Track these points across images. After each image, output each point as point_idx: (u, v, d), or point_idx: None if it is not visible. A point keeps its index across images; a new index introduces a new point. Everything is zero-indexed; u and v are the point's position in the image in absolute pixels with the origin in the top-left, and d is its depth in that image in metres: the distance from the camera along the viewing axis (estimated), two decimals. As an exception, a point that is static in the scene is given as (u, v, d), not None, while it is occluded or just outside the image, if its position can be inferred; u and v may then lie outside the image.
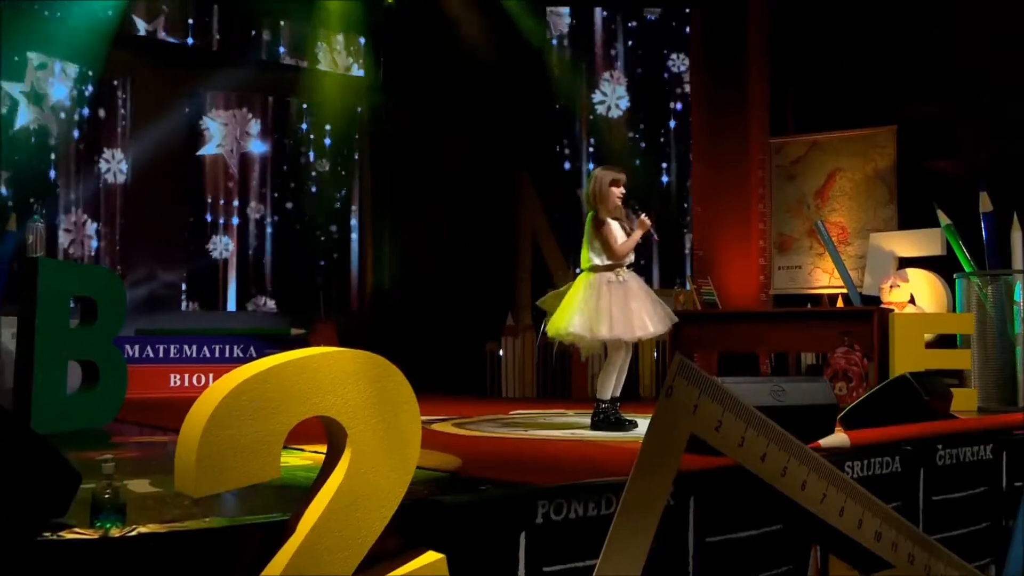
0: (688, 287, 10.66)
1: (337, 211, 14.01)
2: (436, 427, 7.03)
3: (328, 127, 13.89)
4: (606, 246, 7.04)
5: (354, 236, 14.04)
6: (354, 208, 14.07)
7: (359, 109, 13.93)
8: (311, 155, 13.83)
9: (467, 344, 12.13)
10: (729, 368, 10.44)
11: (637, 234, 7.05)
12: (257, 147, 13.53)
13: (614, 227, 7.11)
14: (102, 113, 12.39)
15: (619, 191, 7.14)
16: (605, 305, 6.94)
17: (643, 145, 13.00)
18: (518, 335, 11.52)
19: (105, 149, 12.40)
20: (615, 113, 13.17)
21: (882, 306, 9.30)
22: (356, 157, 14.09)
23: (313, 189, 13.82)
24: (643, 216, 7.06)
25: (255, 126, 13.55)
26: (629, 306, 6.97)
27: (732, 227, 11.37)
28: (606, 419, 6.99)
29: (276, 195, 13.69)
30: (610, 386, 7.05)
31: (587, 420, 7.22)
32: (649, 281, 12.20)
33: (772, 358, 10.76)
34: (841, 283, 10.47)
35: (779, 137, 11.55)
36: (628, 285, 7.05)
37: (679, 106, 12.92)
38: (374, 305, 13.70)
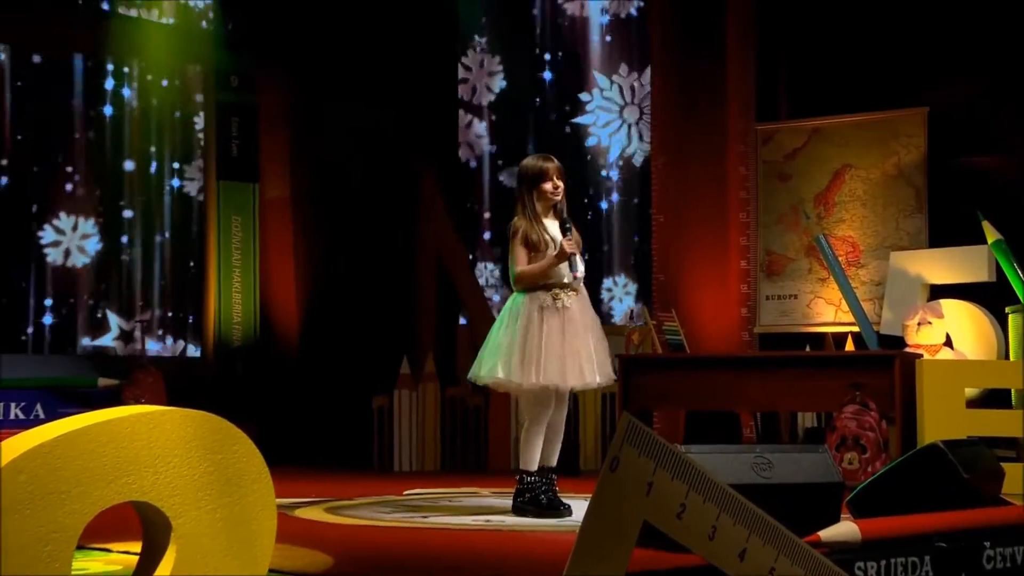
0: (645, 323, 10.64)
1: (168, 217, 13.94)
2: (301, 513, 7.04)
3: (154, 100, 13.86)
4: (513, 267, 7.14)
5: (191, 249, 13.98)
6: (192, 213, 13.98)
7: (200, 70, 13.92)
8: (128, 137, 13.73)
9: (347, 399, 12.18)
10: (699, 433, 10.46)
11: (547, 262, 7.07)
12: (58, 125, 13.41)
13: (549, 236, 7.13)
14: None
15: (550, 186, 7.16)
16: (535, 341, 6.96)
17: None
18: (416, 387, 11.54)
19: None
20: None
21: (907, 350, 9.40)
22: (199, 141, 14.09)
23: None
24: (566, 238, 7.07)
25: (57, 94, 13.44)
26: (565, 343, 6.99)
27: (704, 243, 11.37)
28: (533, 499, 6.98)
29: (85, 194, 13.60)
30: (536, 453, 7.05)
31: (508, 502, 7.23)
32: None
33: (758, 420, 10.79)
34: (851, 319, 10.52)
35: (768, 123, 11.60)
36: (569, 313, 7.07)
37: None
38: (218, 345, 13.59)
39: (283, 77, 13.49)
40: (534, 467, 7.02)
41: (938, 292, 10.18)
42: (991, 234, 9.48)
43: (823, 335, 11.15)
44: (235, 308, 13.59)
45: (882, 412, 8.43)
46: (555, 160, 7.26)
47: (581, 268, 7.14)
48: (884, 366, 8.76)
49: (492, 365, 7.03)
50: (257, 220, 13.70)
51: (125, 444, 2.96)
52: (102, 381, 11.54)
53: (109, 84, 13.81)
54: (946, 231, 10.50)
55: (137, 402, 10.48)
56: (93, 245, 13.65)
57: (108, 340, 13.64)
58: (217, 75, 13.81)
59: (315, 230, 13.46)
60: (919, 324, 9.65)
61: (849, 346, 10.60)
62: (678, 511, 3.17)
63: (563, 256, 7.00)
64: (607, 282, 13.80)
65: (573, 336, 7.02)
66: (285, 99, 13.58)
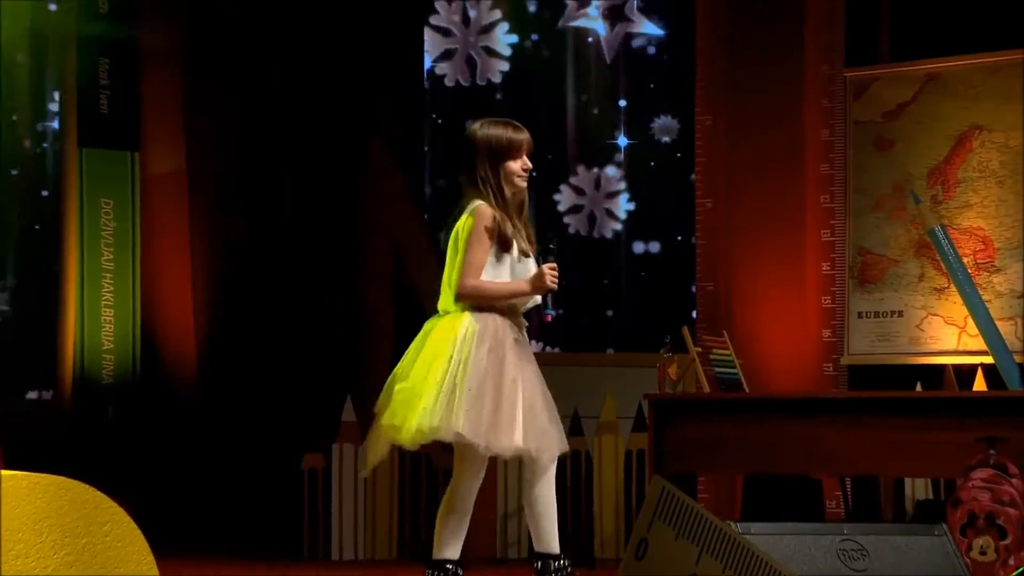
0: (687, 350, 10.47)
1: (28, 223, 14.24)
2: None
3: (24, 81, 14.14)
4: (465, 269, 7.12)
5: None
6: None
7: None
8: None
9: (266, 458, 12.33)
10: (763, 505, 10.59)
11: (518, 287, 7.14)
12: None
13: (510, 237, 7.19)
14: None
15: (518, 166, 7.17)
16: (510, 387, 7.00)
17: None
18: (364, 441, 11.24)
19: None
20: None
21: (1063, 391, 9.31)
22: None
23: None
24: (549, 262, 7.14)
25: None
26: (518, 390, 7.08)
27: (770, 238, 11.42)
28: None
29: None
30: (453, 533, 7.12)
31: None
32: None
33: (847, 488, 10.75)
34: (982, 345, 10.38)
35: (862, 67, 11.53)
36: (525, 351, 7.22)
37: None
38: (80, 384, 13.64)
39: (187, 41, 13.64)
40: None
41: (1109, 308, 10.14)
42: None
43: (941, 368, 10.97)
44: (105, 330, 13.77)
45: (1029, 479, 8.41)
46: (527, 131, 7.33)
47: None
48: (1030, 413, 8.70)
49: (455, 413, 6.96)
50: (138, 204, 13.82)
51: (-56, 525, 2.88)
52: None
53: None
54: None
55: (-32, 465, 10.41)
56: None
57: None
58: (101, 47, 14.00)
59: (221, 218, 13.63)
60: (1082, 354, 9.60)
61: (979, 384, 10.49)
62: (731, 615, 3.34)
63: (543, 288, 7.11)
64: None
65: (527, 380, 7.16)
66: (179, 33, 13.67)
